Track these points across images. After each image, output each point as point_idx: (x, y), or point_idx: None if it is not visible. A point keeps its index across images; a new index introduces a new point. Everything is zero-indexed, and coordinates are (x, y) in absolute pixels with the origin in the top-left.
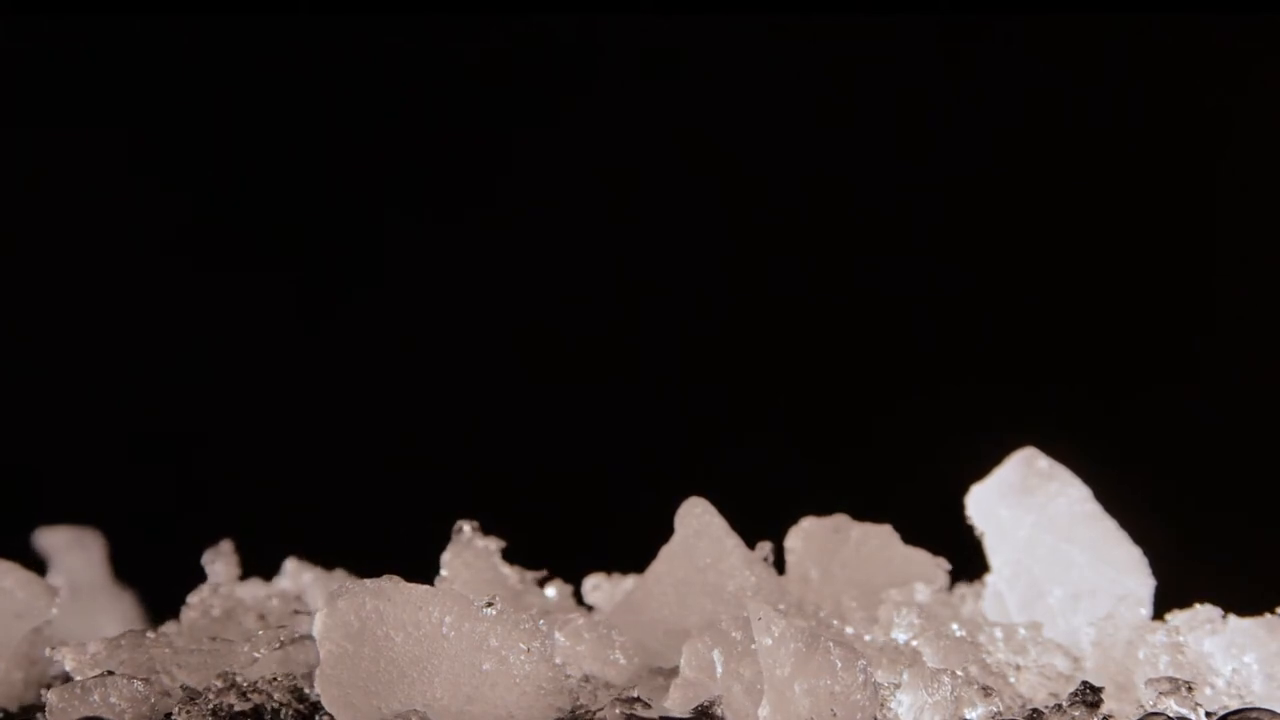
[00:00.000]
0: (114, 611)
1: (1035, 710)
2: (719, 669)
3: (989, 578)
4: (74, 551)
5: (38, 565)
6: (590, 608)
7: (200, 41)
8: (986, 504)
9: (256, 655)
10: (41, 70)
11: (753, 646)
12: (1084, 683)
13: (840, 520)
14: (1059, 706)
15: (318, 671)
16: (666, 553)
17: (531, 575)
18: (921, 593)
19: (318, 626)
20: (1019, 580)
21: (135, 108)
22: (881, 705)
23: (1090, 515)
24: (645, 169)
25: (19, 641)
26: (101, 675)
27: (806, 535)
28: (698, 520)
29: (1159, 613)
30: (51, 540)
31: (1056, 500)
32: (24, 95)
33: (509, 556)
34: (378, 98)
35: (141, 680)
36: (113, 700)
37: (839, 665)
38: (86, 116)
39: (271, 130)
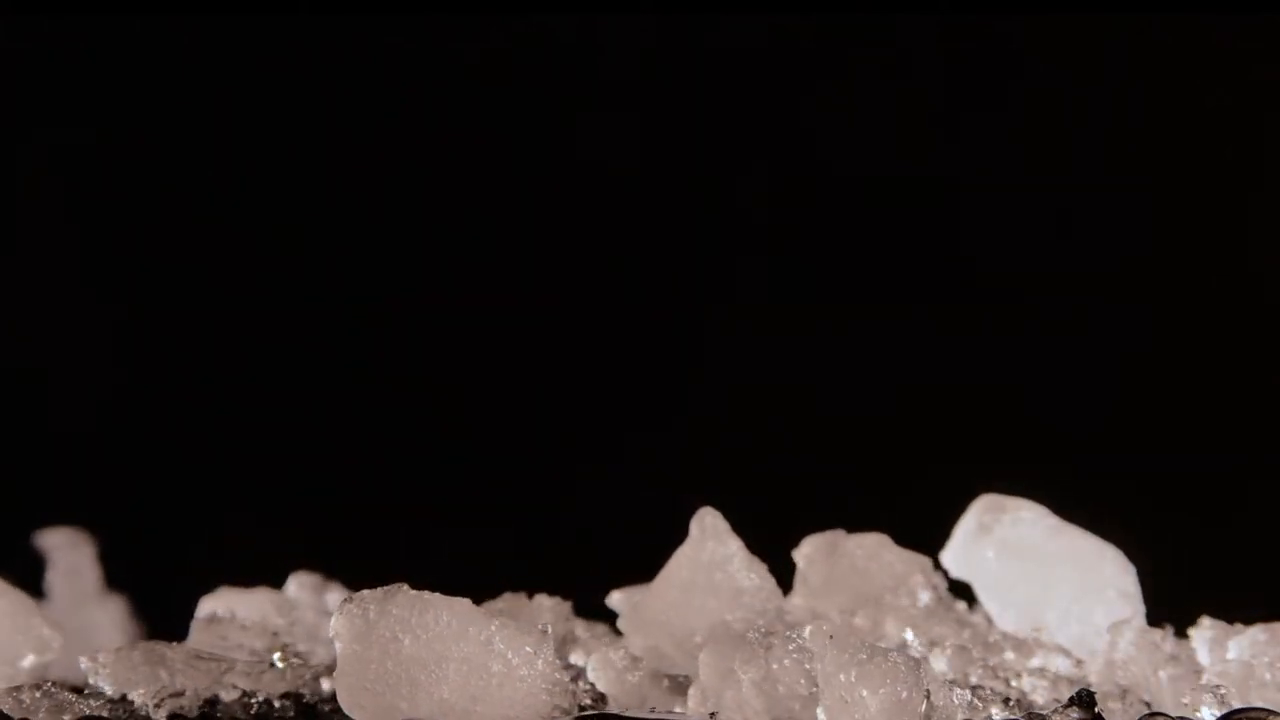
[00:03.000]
0: (106, 612)
1: (1031, 714)
2: (735, 672)
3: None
4: (68, 552)
5: (36, 563)
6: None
7: (200, 42)
8: (956, 557)
9: (263, 665)
10: (41, 70)
11: (789, 649)
12: (1081, 689)
13: (837, 535)
14: (1056, 710)
15: (335, 674)
16: (676, 556)
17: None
18: (924, 596)
19: (332, 631)
20: (1008, 613)
21: (135, 108)
22: None
23: (1052, 529)
24: (645, 169)
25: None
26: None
27: (809, 553)
28: (705, 526)
29: (1164, 619)
30: (47, 541)
31: (1012, 528)
32: (23, 95)
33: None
34: (378, 98)
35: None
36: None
37: (904, 671)
38: (88, 116)
39: (271, 131)
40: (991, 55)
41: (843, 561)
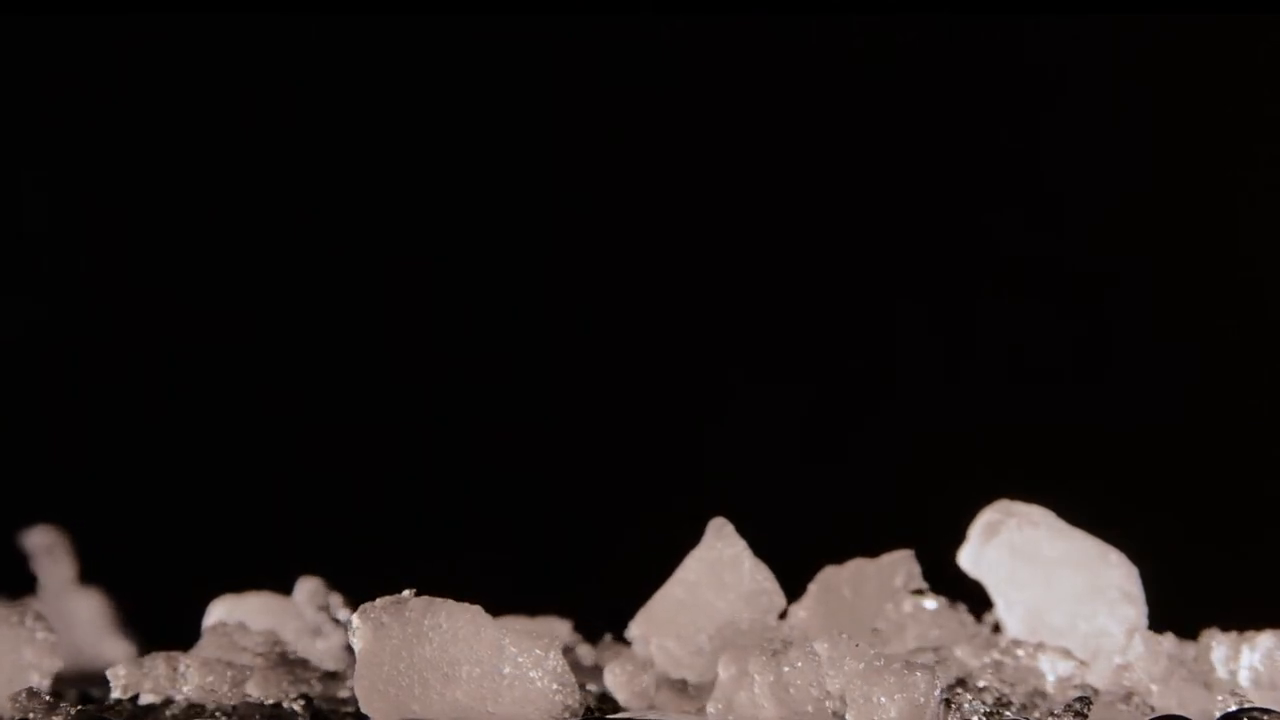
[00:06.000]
0: (86, 607)
1: None
2: (748, 675)
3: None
4: (45, 549)
5: (26, 562)
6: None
7: (199, 42)
8: (970, 559)
9: (273, 669)
10: (41, 70)
11: (801, 654)
12: (1079, 695)
13: (830, 573)
14: (1052, 714)
15: (353, 677)
16: (687, 560)
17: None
18: (930, 601)
19: (351, 634)
20: (1014, 611)
21: (135, 108)
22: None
23: (1058, 532)
24: (646, 170)
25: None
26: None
27: (814, 593)
28: (714, 530)
29: (1170, 622)
30: (31, 540)
31: (1020, 532)
32: (23, 95)
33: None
34: (377, 98)
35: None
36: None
37: (919, 677)
38: (88, 115)
39: (271, 131)
40: (991, 55)
41: (849, 580)
